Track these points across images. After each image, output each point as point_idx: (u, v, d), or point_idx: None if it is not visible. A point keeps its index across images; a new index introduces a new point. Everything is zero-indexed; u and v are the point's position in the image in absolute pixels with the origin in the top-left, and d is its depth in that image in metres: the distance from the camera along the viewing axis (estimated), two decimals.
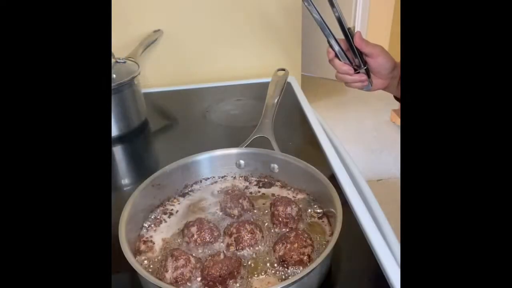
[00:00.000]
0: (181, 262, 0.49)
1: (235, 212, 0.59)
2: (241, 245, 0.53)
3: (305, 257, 0.50)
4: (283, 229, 0.57)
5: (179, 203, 0.64)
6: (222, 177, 0.69)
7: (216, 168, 0.68)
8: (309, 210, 0.61)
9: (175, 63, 1.19)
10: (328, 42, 0.65)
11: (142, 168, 0.83)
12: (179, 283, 0.49)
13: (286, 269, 0.51)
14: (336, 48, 0.66)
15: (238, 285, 0.49)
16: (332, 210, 0.54)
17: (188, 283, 0.49)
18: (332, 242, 0.48)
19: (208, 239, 0.55)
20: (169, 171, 0.63)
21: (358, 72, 0.68)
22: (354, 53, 0.66)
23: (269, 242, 0.55)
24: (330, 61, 0.67)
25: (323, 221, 0.58)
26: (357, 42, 0.64)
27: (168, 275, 0.49)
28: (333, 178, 0.70)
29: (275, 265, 0.51)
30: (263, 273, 0.50)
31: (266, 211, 0.61)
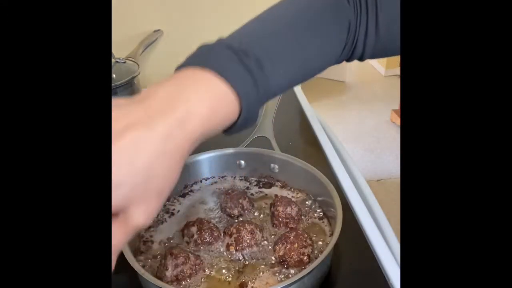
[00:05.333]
0: (181, 259, 0.49)
1: (235, 212, 0.60)
2: (241, 245, 0.53)
3: (305, 257, 0.50)
4: (283, 229, 0.57)
5: (179, 203, 0.64)
6: (222, 177, 0.69)
7: (216, 168, 0.68)
8: (309, 210, 0.61)
9: (175, 63, 1.19)
10: None
11: None
12: (180, 280, 0.49)
13: (286, 269, 0.51)
14: None
15: (238, 285, 0.49)
16: (332, 210, 0.54)
17: (188, 279, 0.49)
18: (332, 242, 0.48)
19: (208, 239, 0.55)
20: None
21: None
22: None
23: (269, 242, 0.55)
24: None
25: (323, 221, 0.58)
26: None
27: (169, 273, 0.49)
28: (333, 178, 0.70)
29: (275, 265, 0.51)
30: (263, 273, 0.50)
31: (266, 211, 0.61)
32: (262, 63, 0.36)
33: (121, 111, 0.31)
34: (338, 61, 0.46)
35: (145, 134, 0.30)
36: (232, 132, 0.37)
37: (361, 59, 0.48)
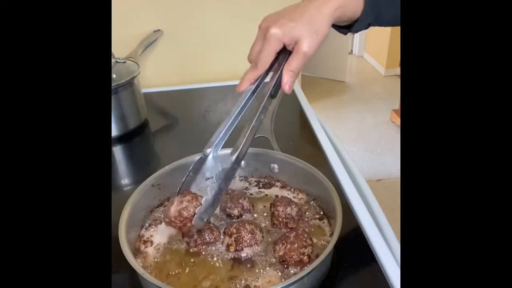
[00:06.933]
0: (188, 198, 0.51)
1: (235, 212, 0.59)
2: (241, 245, 0.53)
3: (305, 257, 0.50)
4: (283, 229, 0.57)
5: None
6: None
7: (216, 168, 0.68)
8: (309, 211, 0.61)
9: (175, 63, 1.19)
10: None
11: (142, 168, 0.83)
12: (182, 217, 0.51)
13: (286, 269, 0.51)
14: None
15: (238, 285, 0.49)
16: (332, 210, 0.54)
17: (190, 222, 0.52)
18: (332, 242, 0.48)
19: (208, 239, 0.55)
20: (169, 171, 0.63)
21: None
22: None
23: (269, 242, 0.55)
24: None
25: (323, 222, 0.58)
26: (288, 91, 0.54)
27: (173, 208, 0.51)
28: (333, 178, 0.70)
29: (275, 265, 0.51)
30: (263, 273, 0.50)
31: (266, 211, 0.61)
32: None
33: (295, 6, 0.53)
34: None
35: (309, 6, 0.51)
36: (357, 25, 0.55)
37: None
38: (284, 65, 0.53)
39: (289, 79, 0.52)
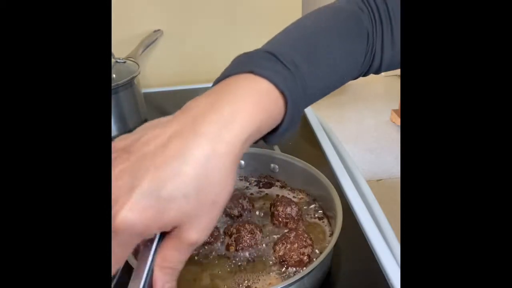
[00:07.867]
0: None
1: (235, 212, 0.59)
2: (241, 245, 0.53)
3: (305, 257, 0.50)
4: (283, 229, 0.57)
5: None
6: None
7: None
8: (309, 210, 0.61)
9: (175, 63, 1.19)
10: None
11: None
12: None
13: (286, 269, 0.51)
14: None
15: (238, 286, 0.49)
16: (332, 210, 0.54)
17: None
18: (332, 242, 0.48)
19: (208, 239, 0.55)
20: None
21: None
22: None
23: (269, 242, 0.55)
24: None
25: (323, 222, 0.58)
26: None
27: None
28: (333, 178, 0.70)
29: (275, 265, 0.51)
30: (263, 273, 0.50)
31: (266, 211, 0.61)
32: (298, 64, 0.36)
33: (165, 125, 0.31)
34: (360, 72, 0.47)
35: (191, 139, 0.28)
36: (277, 136, 0.36)
37: (378, 71, 0.48)
38: (154, 255, 0.33)
39: (165, 280, 0.32)
